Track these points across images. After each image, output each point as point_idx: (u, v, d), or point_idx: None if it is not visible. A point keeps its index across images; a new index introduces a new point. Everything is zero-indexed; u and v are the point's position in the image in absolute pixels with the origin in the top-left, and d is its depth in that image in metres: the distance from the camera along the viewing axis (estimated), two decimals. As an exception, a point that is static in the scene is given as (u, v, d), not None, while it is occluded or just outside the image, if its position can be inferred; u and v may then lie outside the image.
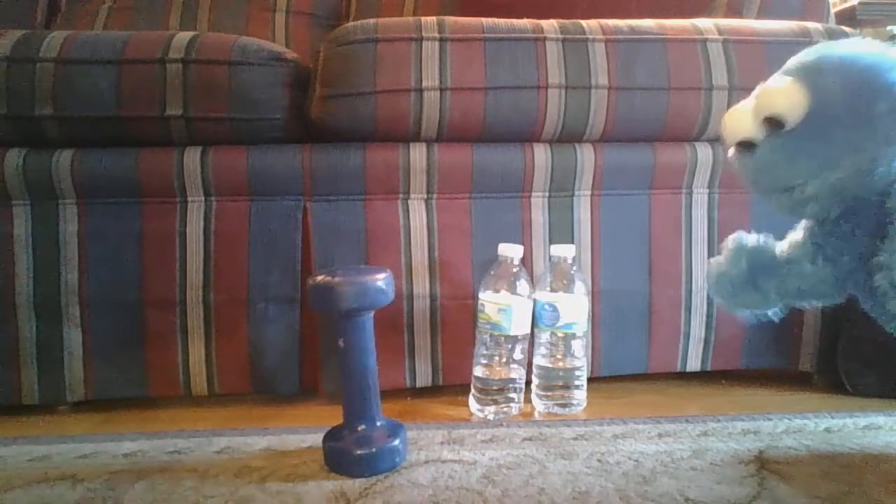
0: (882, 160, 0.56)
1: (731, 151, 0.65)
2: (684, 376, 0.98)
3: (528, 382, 0.88)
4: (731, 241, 0.71)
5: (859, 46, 0.58)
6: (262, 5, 1.38)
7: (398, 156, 0.87)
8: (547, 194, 0.91)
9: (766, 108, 0.58)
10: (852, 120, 0.55)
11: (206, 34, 0.88)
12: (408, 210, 0.89)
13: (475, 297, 0.87)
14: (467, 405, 0.87)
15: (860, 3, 1.22)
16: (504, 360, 0.85)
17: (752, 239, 0.70)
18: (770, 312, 0.70)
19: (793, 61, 0.60)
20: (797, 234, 0.68)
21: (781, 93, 0.57)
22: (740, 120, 0.60)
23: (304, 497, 0.62)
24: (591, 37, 0.88)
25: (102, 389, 0.87)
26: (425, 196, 0.90)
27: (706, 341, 0.95)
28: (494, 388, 0.84)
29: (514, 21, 0.89)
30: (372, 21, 0.88)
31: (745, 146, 0.61)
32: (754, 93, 0.61)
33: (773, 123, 0.57)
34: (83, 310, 0.86)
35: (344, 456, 0.67)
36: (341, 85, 0.85)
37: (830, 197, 0.59)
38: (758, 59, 0.89)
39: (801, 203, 0.60)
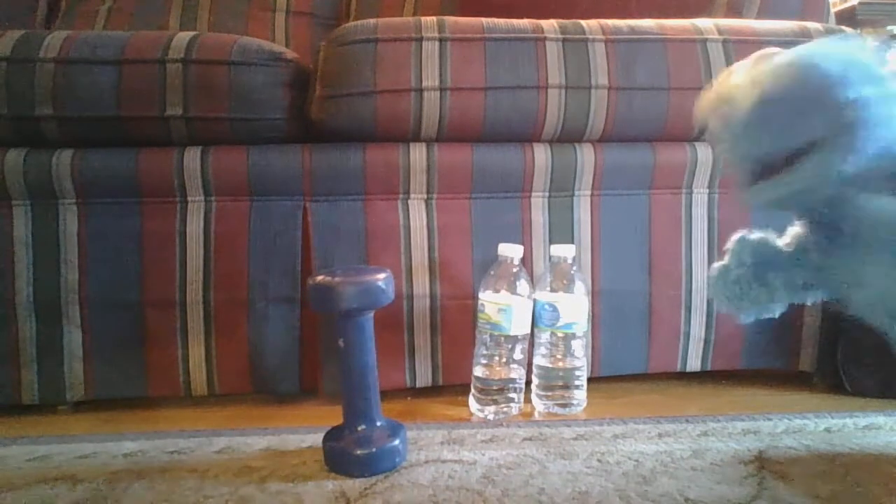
0: (818, 182, 0.55)
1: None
2: (684, 376, 0.98)
3: (528, 382, 0.88)
4: (733, 241, 0.70)
5: (833, 49, 0.57)
6: (262, 5, 1.38)
7: (398, 156, 0.87)
8: (547, 194, 0.91)
9: (718, 103, 0.59)
10: (789, 131, 0.54)
11: (206, 34, 0.89)
12: (408, 210, 0.89)
13: (475, 297, 0.87)
14: (467, 405, 0.87)
15: (860, 3, 1.22)
16: (504, 360, 0.85)
17: (755, 235, 0.69)
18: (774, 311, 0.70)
19: (772, 59, 0.60)
20: (796, 226, 0.68)
21: (733, 90, 0.58)
22: (702, 105, 0.62)
23: (304, 497, 0.62)
24: (591, 37, 0.88)
25: (102, 389, 0.87)
26: (425, 196, 0.90)
27: (706, 341, 0.95)
28: (494, 388, 0.84)
29: (514, 21, 0.89)
30: (372, 21, 0.88)
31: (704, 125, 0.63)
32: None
33: (723, 118, 0.59)
34: (83, 310, 0.86)
35: (344, 456, 0.67)
36: (341, 85, 0.85)
37: (781, 204, 0.60)
38: (758, 59, 0.89)
39: (766, 202, 0.61)
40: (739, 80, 0.58)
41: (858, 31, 1.01)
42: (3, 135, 0.84)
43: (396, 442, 0.68)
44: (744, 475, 0.66)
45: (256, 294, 0.88)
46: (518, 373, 0.85)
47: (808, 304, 0.71)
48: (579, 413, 0.86)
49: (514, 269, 0.84)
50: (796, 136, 0.54)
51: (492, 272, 0.85)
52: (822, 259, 0.62)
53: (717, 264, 0.71)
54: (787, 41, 0.90)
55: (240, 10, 1.37)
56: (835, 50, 0.57)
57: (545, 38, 0.87)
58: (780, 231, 0.71)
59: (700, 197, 0.94)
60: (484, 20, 0.88)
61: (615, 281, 0.93)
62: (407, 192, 0.89)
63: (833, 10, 1.16)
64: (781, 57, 0.57)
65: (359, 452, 0.66)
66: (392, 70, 0.84)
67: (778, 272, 0.67)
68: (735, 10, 1.09)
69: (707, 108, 0.61)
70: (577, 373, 0.87)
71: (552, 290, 0.86)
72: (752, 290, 0.68)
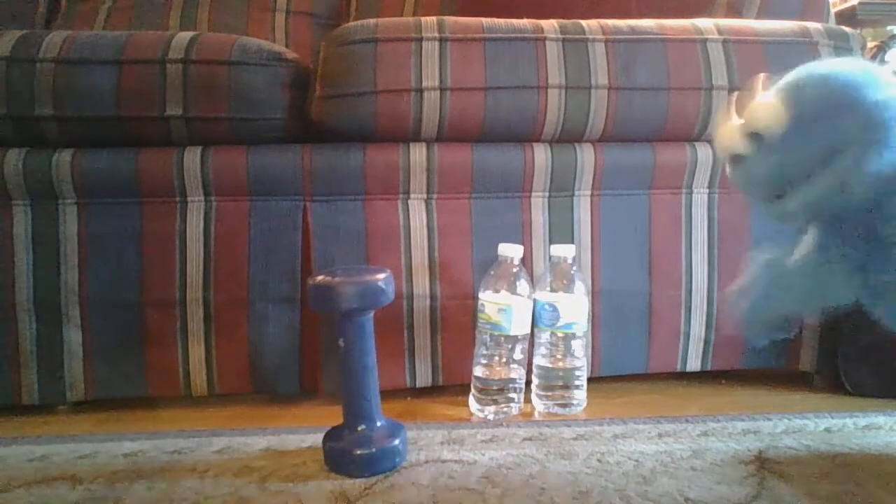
0: (853, 181, 0.56)
1: (727, 164, 0.66)
2: (684, 376, 0.98)
3: (528, 382, 0.88)
4: (749, 266, 0.70)
5: (845, 64, 0.59)
6: (262, 5, 1.38)
7: (398, 156, 0.87)
8: (547, 194, 0.91)
9: (748, 124, 0.60)
10: (824, 136, 0.56)
11: (206, 34, 0.89)
12: (408, 210, 0.89)
13: (475, 297, 0.87)
14: (467, 405, 0.87)
15: (860, 3, 1.22)
16: (504, 360, 0.85)
17: (765, 255, 0.69)
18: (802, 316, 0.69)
19: (786, 77, 0.61)
20: (806, 241, 0.68)
21: (761, 109, 0.59)
22: (728, 133, 0.62)
23: (304, 497, 0.62)
24: (591, 37, 0.88)
25: (102, 389, 0.87)
26: (425, 196, 0.90)
27: (706, 341, 0.95)
28: (494, 388, 0.84)
29: (514, 21, 0.89)
30: (372, 21, 0.88)
31: (736, 159, 0.63)
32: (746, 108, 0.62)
33: (756, 137, 0.59)
34: (83, 310, 0.86)
35: (344, 456, 0.67)
36: (341, 85, 0.85)
37: (809, 212, 0.61)
38: (758, 59, 0.89)
39: (786, 216, 0.62)
40: (762, 102, 0.59)
41: (858, 31, 1.00)
42: (3, 135, 0.84)
43: (396, 442, 0.68)
44: (744, 475, 0.66)
45: (256, 294, 0.88)
46: (518, 373, 0.85)
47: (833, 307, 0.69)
48: (579, 413, 0.86)
49: (514, 269, 0.84)
50: (829, 141, 0.55)
51: (492, 272, 0.85)
52: (852, 265, 0.62)
53: (734, 288, 0.70)
54: (787, 41, 0.90)
55: (240, 10, 1.37)
56: (845, 62, 0.60)
57: (545, 38, 0.87)
58: (778, 232, 0.70)
59: (700, 197, 0.94)
60: (484, 20, 0.88)
61: (615, 281, 0.93)
62: (407, 192, 0.89)
63: (833, 10, 1.15)
64: (800, 73, 0.59)
65: (359, 452, 0.66)
66: (392, 70, 0.84)
67: (788, 291, 0.67)
68: (735, 10, 1.09)
69: (734, 136, 0.61)
70: (577, 373, 0.87)
71: (552, 290, 0.86)
72: (769, 310, 0.67)
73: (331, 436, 0.69)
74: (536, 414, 0.86)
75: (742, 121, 0.61)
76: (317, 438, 0.71)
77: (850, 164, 0.55)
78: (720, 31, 0.90)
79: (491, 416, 0.84)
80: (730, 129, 0.62)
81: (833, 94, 0.57)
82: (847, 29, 0.95)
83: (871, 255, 0.60)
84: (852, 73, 0.57)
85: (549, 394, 0.86)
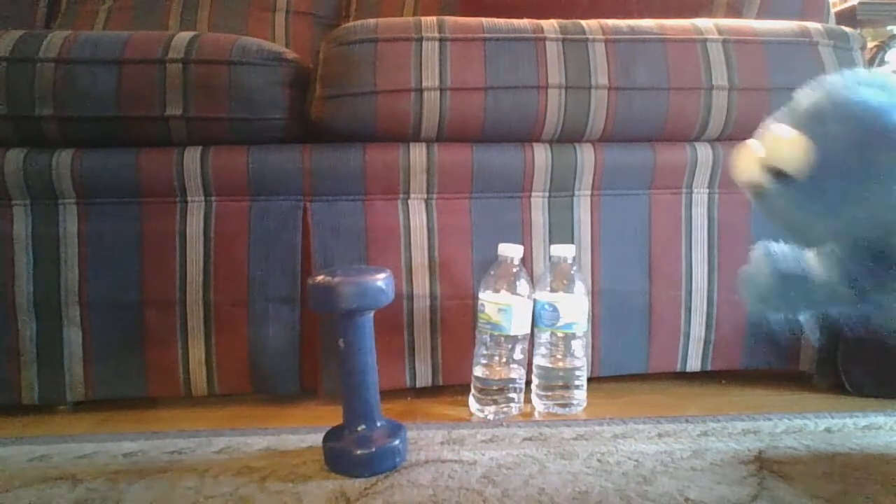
0: (885, 210, 0.55)
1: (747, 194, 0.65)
2: (684, 376, 0.98)
3: (528, 382, 0.88)
4: (756, 256, 0.70)
5: (866, 87, 0.56)
6: (262, 5, 1.39)
7: (398, 156, 0.87)
8: (547, 194, 0.91)
9: (772, 161, 0.57)
10: (855, 171, 0.54)
11: (206, 34, 0.88)
12: (408, 210, 0.89)
13: (475, 297, 0.87)
14: (467, 405, 0.87)
15: (860, 3, 1.22)
16: (504, 360, 0.85)
17: (778, 250, 0.69)
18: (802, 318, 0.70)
19: (799, 106, 0.59)
20: (827, 248, 0.68)
21: (786, 146, 0.56)
22: (748, 166, 0.60)
23: (304, 497, 0.62)
24: (591, 37, 0.88)
25: (102, 389, 0.87)
26: (425, 196, 0.90)
27: (706, 341, 0.95)
28: (494, 388, 0.84)
29: (514, 21, 0.89)
30: (372, 21, 0.88)
31: (757, 190, 0.61)
32: (762, 134, 0.60)
33: (779, 173, 0.57)
34: (83, 310, 0.86)
35: (344, 456, 0.67)
36: (341, 85, 0.85)
37: (834, 241, 0.60)
38: (758, 59, 0.89)
39: (811, 241, 0.61)
40: (784, 136, 0.57)
41: (858, 31, 1.00)
42: (3, 135, 0.84)
43: (396, 442, 0.68)
44: (744, 475, 0.66)
45: (256, 294, 0.88)
46: (518, 373, 0.85)
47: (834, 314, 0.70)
48: (579, 413, 0.86)
49: (514, 269, 0.84)
50: (861, 175, 0.54)
51: (492, 272, 0.85)
52: (876, 288, 0.62)
53: (744, 270, 0.71)
54: (787, 41, 0.90)
55: (240, 10, 1.37)
56: (863, 81, 0.57)
57: (545, 38, 0.87)
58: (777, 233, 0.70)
59: (700, 197, 0.94)
60: (484, 20, 0.88)
61: (615, 281, 0.93)
62: (407, 192, 0.89)
63: (833, 10, 1.15)
64: (817, 103, 0.57)
65: (359, 452, 0.66)
66: (392, 70, 0.84)
67: (798, 290, 0.66)
68: (735, 10, 1.10)
69: (753, 169, 0.59)
70: (577, 373, 0.87)
71: (552, 290, 0.86)
72: (776, 300, 0.68)
73: (331, 436, 0.69)
74: (536, 414, 0.86)
75: (762, 153, 0.59)
76: (317, 438, 0.71)
77: (884, 195, 0.54)
78: (720, 31, 0.90)
79: (491, 416, 0.84)
80: (749, 160, 0.60)
81: (860, 125, 0.54)
82: (847, 29, 0.95)
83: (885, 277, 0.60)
84: (874, 97, 0.54)
85: (549, 394, 0.86)
